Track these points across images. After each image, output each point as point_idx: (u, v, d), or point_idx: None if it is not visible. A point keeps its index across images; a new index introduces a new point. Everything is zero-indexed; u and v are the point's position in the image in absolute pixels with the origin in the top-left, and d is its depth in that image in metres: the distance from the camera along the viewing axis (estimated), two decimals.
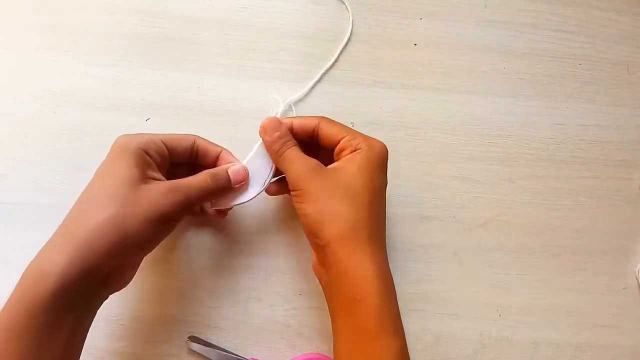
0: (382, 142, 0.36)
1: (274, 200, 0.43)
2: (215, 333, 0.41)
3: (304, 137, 0.37)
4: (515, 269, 0.44)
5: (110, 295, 0.33)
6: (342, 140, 0.35)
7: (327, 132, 0.36)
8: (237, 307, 0.41)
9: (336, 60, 0.46)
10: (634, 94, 0.48)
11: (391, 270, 0.43)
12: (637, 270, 0.45)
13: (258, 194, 0.37)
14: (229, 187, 0.36)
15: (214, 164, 0.37)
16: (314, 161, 0.34)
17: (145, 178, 0.31)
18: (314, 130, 0.36)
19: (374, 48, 0.46)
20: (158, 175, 0.33)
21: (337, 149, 0.36)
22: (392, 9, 0.47)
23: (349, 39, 0.46)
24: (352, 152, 0.34)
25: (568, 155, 0.47)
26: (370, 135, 0.36)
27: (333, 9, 0.47)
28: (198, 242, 0.42)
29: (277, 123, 0.35)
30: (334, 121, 0.37)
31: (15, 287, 0.28)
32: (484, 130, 0.46)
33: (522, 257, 0.44)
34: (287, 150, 0.34)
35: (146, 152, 0.32)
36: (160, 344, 0.40)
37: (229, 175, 0.36)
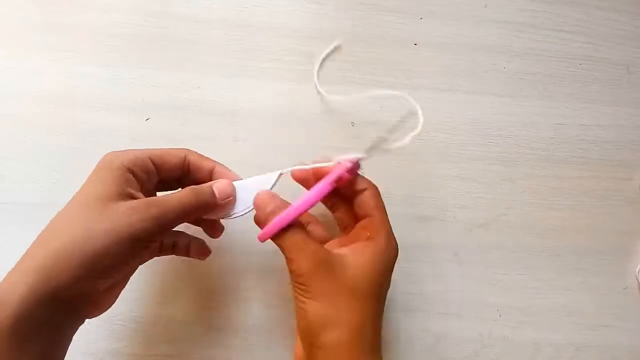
0: (395, 246, 0.33)
1: None
2: (216, 333, 0.41)
3: (341, 187, 0.34)
4: (515, 269, 0.44)
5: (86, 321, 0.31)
6: (370, 219, 0.33)
7: (367, 203, 0.33)
8: (237, 307, 0.41)
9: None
10: (634, 94, 0.48)
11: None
12: (637, 270, 0.45)
13: (248, 211, 0.35)
14: (213, 204, 0.33)
15: (208, 179, 0.35)
16: (322, 251, 0.31)
17: (121, 196, 0.29)
18: (355, 192, 0.34)
19: (374, 48, 0.46)
20: (138, 194, 0.31)
21: (359, 225, 0.33)
22: (392, 9, 0.47)
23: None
24: (368, 238, 0.32)
25: (568, 155, 0.47)
26: (393, 237, 0.33)
27: (333, 9, 0.47)
28: None
29: (269, 198, 0.32)
30: (378, 194, 0.34)
31: None
32: (484, 130, 0.46)
33: (522, 257, 0.44)
34: (288, 233, 0.31)
35: (130, 170, 0.31)
36: (160, 344, 0.40)
37: (213, 191, 0.33)
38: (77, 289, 0.28)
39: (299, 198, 0.32)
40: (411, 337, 0.42)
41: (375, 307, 0.31)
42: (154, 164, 0.33)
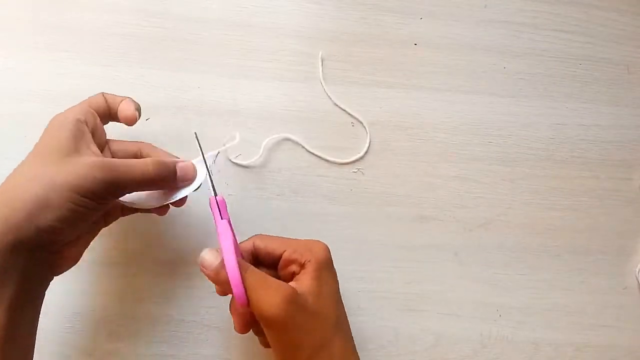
0: (321, 244, 0.34)
1: (272, 201, 0.43)
2: (215, 333, 0.41)
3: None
4: (515, 269, 0.44)
5: (56, 278, 0.32)
6: (284, 255, 0.34)
7: (265, 249, 0.34)
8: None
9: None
10: (634, 94, 0.48)
11: (392, 270, 0.43)
12: (637, 270, 0.45)
13: (197, 188, 0.35)
14: (173, 181, 0.34)
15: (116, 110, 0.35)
16: (286, 287, 0.31)
17: (75, 150, 0.30)
18: (251, 253, 0.35)
19: (374, 48, 0.46)
20: (94, 147, 0.31)
21: (281, 264, 0.34)
22: (392, 9, 0.47)
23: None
24: (300, 265, 0.33)
25: (568, 155, 0.47)
26: (310, 239, 0.35)
27: (333, 9, 0.47)
28: (198, 242, 0.42)
29: (214, 253, 0.33)
30: (267, 235, 0.35)
31: None
32: (484, 130, 0.46)
33: (522, 257, 0.44)
34: (245, 274, 0.30)
35: (79, 120, 0.31)
36: (160, 344, 0.40)
37: (176, 170, 0.34)
38: (38, 237, 0.28)
39: (223, 250, 0.31)
40: (411, 337, 0.42)
41: (337, 316, 0.33)
42: (107, 104, 0.34)
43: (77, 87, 0.43)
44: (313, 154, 0.44)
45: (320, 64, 0.45)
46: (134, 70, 0.44)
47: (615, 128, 0.48)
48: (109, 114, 0.35)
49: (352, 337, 0.35)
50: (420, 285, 0.43)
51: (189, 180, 0.35)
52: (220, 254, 0.32)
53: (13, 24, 0.44)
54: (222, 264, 0.31)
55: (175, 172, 0.34)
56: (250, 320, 0.33)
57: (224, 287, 0.33)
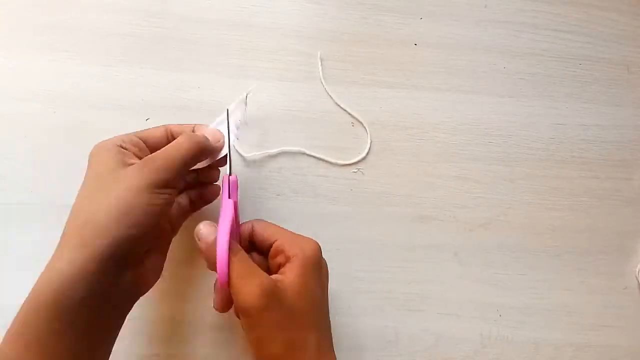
0: (313, 242, 0.34)
1: (272, 201, 0.43)
2: (215, 333, 0.41)
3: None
4: (515, 269, 0.44)
5: (140, 297, 0.33)
6: (275, 244, 0.34)
7: (261, 235, 0.35)
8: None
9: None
10: (634, 94, 0.48)
11: (392, 270, 0.43)
12: (637, 270, 0.45)
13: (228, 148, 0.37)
14: (209, 146, 0.35)
15: None
16: (267, 279, 0.31)
17: (124, 164, 0.31)
18: (249, 235, 0.36)
19: (374, 48, 0.46)
20: (136, 160, 0.33)
21: (271, 253, 0.35)
22: (392, 9, 0.47)
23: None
24: (286, 258, 0.33)
25: (568, 155, 0.47)
26: (303, 236, 0.35)
27: (333, 9, 0.47)
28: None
29: (211, 228, 0.33)
30: (266, 222, 0.36)
31: (29, 293, 0.28)
32: (484, 130, 0.46)
33: (522, 257, 0.44)
34: (233, 257, 0.31)
35: (121, 146, 0.33)
36: (160, 344, 0.40)
37: (205, 136, 0.35)
38: (118, 250, 0.29)
39: (219, 226, 0.32)
40: (411, 337, 0.42)
41: (316, 316, 0.33)
42: (140, 139, 0.35)
43: (77, 87, 0.43)
44: (313, 156, 0.44)
45: (319, 64, 0.45)
46: (134, 70, 0.44)
47: (615, 128, 0.48)
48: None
49: (331, 336, 0.35)
50: (420, 285, 0.43)
51: (219, 139, 0.36)
52: (216, 230, 0.33)
53: (13, 24, 0.44)
54: (215, 241, 0.32)
55: (205, 137, 0.35)
56: (230, 301, 0.34)
57: (211, 264, 0.33)
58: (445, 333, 0.42)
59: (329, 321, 0.35)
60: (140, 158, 0.33)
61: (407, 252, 0.43)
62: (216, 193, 0.39)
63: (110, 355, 0.39)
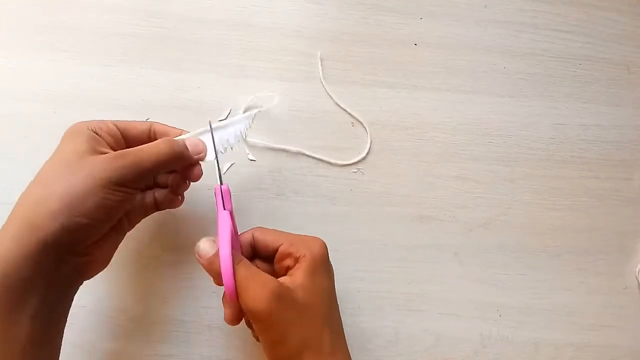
0: (319, 240, 0.34)
1: (272, 201, 0.43)
2: (215, 333, 0.41)
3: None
4: (515, 269, 0.44)
5: (84, 282, 0.32)
6: (281, 248, 0.34)
7: (263, 241, 0.35)
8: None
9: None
10: (634, 94, 0.48)
11: (392, 270, 0.43)
12: (637, 270, 0.45)
13: (215, 158, 0.36)
14: (187, 156, 0.34)
15: None
16: (273, 282, 0.31)
17: (93, 152, 0.30)
18: (250, 244, 0.35)
19: (374, 48, 0.46)
20: (108, 150, 0.32)
21: (277, 257, 0.34)
22: (392, 9, 0.47)
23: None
24: (295, 260, 0.33)
25: (568, 155, 0.47)
26: (307, 235, 0.35)
27: (333, 9, 0.47)
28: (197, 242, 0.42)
29: (210, 243, 0.33)
30: (266, 229, 0.36)
31: None
32: (484, 130, 0.46)
33: (522, 257, 0.44)
34: (237, 267, 0.31)
35: (96, 132, 0.32)
36: (160, 344, 0.40)
37: (185, 144, 0.34)
38: (64, 236, 0.28)
39: (219, 239, 0.32)
40: (411, 337, 0.42)
41: (327, 312, 0.33)
42: (118, 129, 0.34)
43: (77, 87, 0.43)
44: (313, 157, 0.44)
45: (319, 64, 0.45)
46: (134, 70, 0.44)
47: (615, 128, 0.48)
48: (146, 139, 0.35)
49: (344, 334, 0.35)
50: (420, 285, 0.43)
51: (201, 152, 0.35)
52: (216, 244, 0.32)
53: (13, 24, 0.44)
54: (216, 255, 0.32)
55: (185, 147, 0.34)
56: (240, 312, 0.33)
57: (216, 278, 0.33)
58: (445, 333, 0.42)
59: (340, 318, 0.35)
60: (113, 149, 0.33)
61: (407, 252, 0.43)
62: (179, 202, 0.38)
63: (111, 356, 0.39)
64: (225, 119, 0.41)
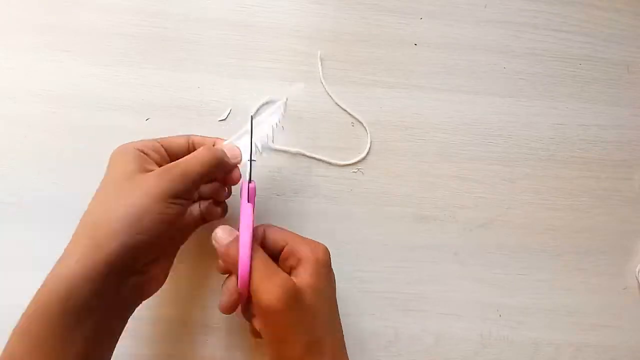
0: (323, 246, 0.35)
1: (272, 201, 0.43)
2: (215, 333, 0.41)
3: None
4: (515, 269, 0.44)
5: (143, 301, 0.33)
6: (286, 247, 0.35)
7: (272, 238, 0.35)
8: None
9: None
10: (634, 94, 0.48)
11: (392, 270, 0.43)
12: (637, 270, 0.45)
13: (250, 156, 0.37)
14: (226, 162, 0.35)
15: None
16: (290, 280, 0.32)
17: (142, 170, 0.32)
18: (260, 239, 0.36)
19: (374, 48, 0.46)
20: (154, 166, 0.33)
21: (282, 255, 0.35)
22: (392, 9, 0.47)
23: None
24: (298, 260, 0.34)
25: (568, 155, 0.47)
26: (312, 240, 0.35)
27: (333, 9, 0.47)
28: (198, 243, 0.42)
29: (228, 231, 0.34)
30: (275, 227, 0.36)
31: (36, 291, 0.28)
32: (484, 130, 0.46)
33: (522, 257, 0.44)
34: (255, 258, 0.32)
35: (142, 152, 0.33)
36: (160, 344, 0.40)
37: (223, 150, 0.35)
38: (126, 255, 0.29)
39: (240, 229, 0.33)
40: (411, 337, 0.42)
41: (330, 318, 0.34)
42: (162, 145, 0.35)
43: (77, 87, 0.43)
44: (313, 157, 0.44)
45: (319, 64, 0.45)
46: (134, 70, 0.44)
47: (615, 128, 0.47)
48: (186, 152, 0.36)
49: (344, 338, 0.35)
50: (420, 285, 0.43)
51: (237, 157, 0.37)
52: (234, 232, 0.34)
53: (13, 24, 0.44)
54: (233, 243, 0.33)
55: (224, 152, 0.35)
56: (237, 302, 0.34)
57: (228, 265, 0.34)
58: (445, 333, 0.42)
59: (341, 325, 0.35)
60: (159, 165, 0.33)
61: (407, 252, 0.43)
62: (224, 210, 0.39)
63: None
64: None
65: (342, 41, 0.46)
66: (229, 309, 0.34)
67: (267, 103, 0.44)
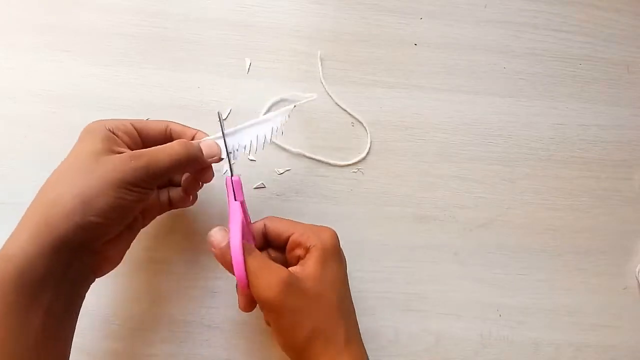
0: (330, 230, 0.35)
1: (272, 201, 0.43)
2: (216, 333, 0.41)
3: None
4: (515, 269, 0.44)
5: (96, 279, 0.32)
6: (292, 238, 0.35)
7: (275, 230, 0.35)
8: (237, 307, 0.41)
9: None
10: (634, 94, 0.48)
11: (392, 270, 0.43)
12: (637, 270, 0.45)
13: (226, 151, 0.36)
14: (200, 160, 0.34)
15: None
16: (284, 271, 0.32)
17: (109, 151, 0.31)
18: (262, 234, 0.36)
19: (374, 48, 0.46)
20: (124, 149, 0.32)
21: (288, 247, 0.35)
22: (392, 9, 0.47)
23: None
24: (305, 249, 0.34)
25: (568, 155, 0.47)
26: (318, 225, 0.36)
27: (333, 9, 0.47)
28: (198, 242, 0.42)
29: (223, 233, 0.33)
30: (277, 218, 0.36)
31: None
32: (484, 130, 0.46)
33: (522, 257, 0.44)
34: (248, 257, 0.32)
35: (112, 132, 0.32)
36: (159, 344, 0.40)
37: (201, 148, 0.34)
38: (78, 235, 0.28)
39: (230, 230, 0.33)
40: (411, 337, 0.42)
41: (339, 301, 0.34)
42: (135, 129, 0.34)
43: (77, 87, 0.43)
44: (313, 158, 0.44)
45: (319, 64, 0.45)
46: (134, 70, 0.44)
47: (615, 128, 0.47)
48: (162, 139, 0.35)
49: (357, 323, 0.35)
50: (420, 285, 0.43)
51: (215, 155, 0.35)
52: (227, 235, 0.33)
53: (13, 24, 0.44)
54: (228, 245, 0.32)
55: (200, 150, 0.34)
56: (253, 300, 0.34)
57: (227, 268, 0.34)
58: (445, 333, 0.42)
59: (354, 311, 0.35)
60: (130, 148, 0.33)
61: (407, 252, 0.43)
62: (192, 202, 0.38)
63: (111, 356, 0.39)
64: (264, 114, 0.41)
65: (342, 41, 0.46)
66: (246, 308, 0.35)
67: (279, 102, 0.44)
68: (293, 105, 0.39)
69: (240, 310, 0.35)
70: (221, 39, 0.45)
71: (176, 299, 0.41)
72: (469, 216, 0.44)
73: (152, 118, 0.43)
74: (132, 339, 0.40)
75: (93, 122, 0.33)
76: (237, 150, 0.37)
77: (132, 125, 0.34)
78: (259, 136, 0.37)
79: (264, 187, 0.43)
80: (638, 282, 0.45)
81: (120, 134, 0.33)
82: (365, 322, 0.42)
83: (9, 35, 0.44)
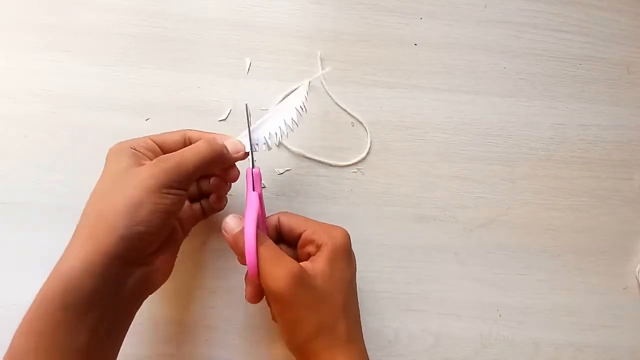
0: (342, 230, 0.35)
1: (272, 201, 0.43)
2: (216, 333, 0.41)
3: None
4: (515, 269, 0.44)
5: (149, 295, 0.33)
6: (304, 234, 0.35)
7: (288, 226, 0.36)
8: (237, 307, 0.41)
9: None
10: (634, 94, 0.48)
11: (392, 270, 0.43)
12: (637, 270, 0.45)
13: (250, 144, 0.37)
14: (227, 156, 0.35)
15: None
16: (295, 265, 0.32)
17: (138, 165, 0.32)
18: (275, 227, 0.36)
19: (374, 48, 0.46)
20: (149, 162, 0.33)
21: (300, 243, 0.36)
22: (392, 9, 0.47)
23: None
24: (317, 247, 0.34)
25: (568, 155, 0.47)
26: (331, 224, 0.36)
27: (333, 9, 0.47)
28: (198, 243, 0.42)
29: (237, 220, 0.34)
30: (292, 213, 0.37)
31: (40, 288, 0.29)
32: (484, 130, 0.46)
33: (522, 257, 0.44)
34: (260, 247, 0.32)
35: (135, 149, 0.33)
36: (160, 344, 0.40)
37: (224, 144, 0.35)
38: (125, 248, 0.29)
39: (246, 218, 0.33)
40: (411, 337, 0.42)
41: (344, 300, 0.34)
42: (155, 143, 0.35)
43: (77, 87, 0.43)
44: (313, 159, 0.44)
45: (319, 64, 0.45)
46: (134, 70, 0.44)
47: (615, 128, 0.48)
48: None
49: (361, 325, 0.35)
50: (420, 285, 0.43)
51: (239, 151, 0.36)
52: (242, 222, 0.34)
53: (13, 24, 0.44)
54: (241, 232, 0.33)
55: (224, 146, 0.35)
56: (261, 291, 0.34)
57: (239, 256, 0.34)
58: (445, 333, 0.42)
59: (359, 312, 0.36)
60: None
61: (407, 252, 0.43)
62: (224, 204, 0.40)
63: None
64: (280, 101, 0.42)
65: (342, 41, 0.46)
66: (253, 298, 0.35)
67: (290, 93, 0.44)
68: (308, 81, 0.39)
69: (246, 301, 0.35)
70: (221, 39, 0.45)
71: (176, 299, 0.41)
72: (469, 216, 0.44)
73: (152, 118, 0.43)
74: (133, 339, 0.40)
75: (116, 144, 0.34)
76: (264, 142, 0.38)
77: (152, 140, 0.35)
78: (286, 120, 0.38)
79: (264, 187, 0.43)
80: (638, 282, 0.45)
81: (142, 150, 0.33)
82: (365, 322, 0.41)
83: (9, 35, 0.44)
